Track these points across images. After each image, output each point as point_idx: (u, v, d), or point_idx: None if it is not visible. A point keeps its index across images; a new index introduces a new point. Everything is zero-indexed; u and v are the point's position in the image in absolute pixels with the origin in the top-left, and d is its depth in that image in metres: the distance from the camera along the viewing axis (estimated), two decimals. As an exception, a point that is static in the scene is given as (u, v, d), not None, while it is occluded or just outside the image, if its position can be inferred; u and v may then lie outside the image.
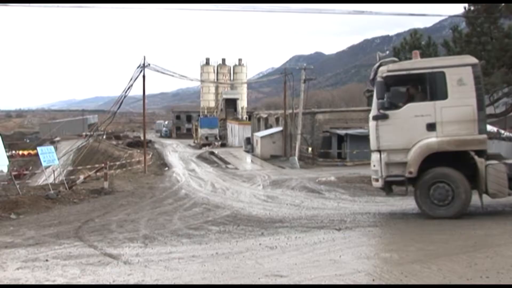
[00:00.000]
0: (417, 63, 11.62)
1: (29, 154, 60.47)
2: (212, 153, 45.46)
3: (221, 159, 39.54)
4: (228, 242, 9.45)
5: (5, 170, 19.47)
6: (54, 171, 29.55)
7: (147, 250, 9.04)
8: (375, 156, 11.45)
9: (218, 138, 63.64)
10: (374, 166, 11.51)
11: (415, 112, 10.97)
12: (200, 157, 42.68)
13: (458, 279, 5.76)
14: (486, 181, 10.53)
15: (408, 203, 14.22)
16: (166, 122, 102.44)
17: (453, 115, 10.71)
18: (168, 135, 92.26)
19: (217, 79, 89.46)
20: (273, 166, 32.87)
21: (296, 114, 36.42)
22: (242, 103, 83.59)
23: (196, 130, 69.26)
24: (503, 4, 19.82)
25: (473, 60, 11.12)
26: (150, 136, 74.70)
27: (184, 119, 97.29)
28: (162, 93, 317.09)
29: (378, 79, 11.21)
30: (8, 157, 23.04)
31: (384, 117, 11.12)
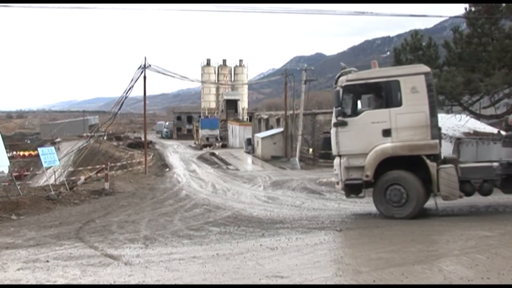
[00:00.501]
0: (374, 73, 12.13)
1: (30, 155, 60.44)
2: (212, 154, 45.44)
3: (221, 160, 39.53)
4: (228, 243, 9.44)
5: (6, 171, 19.45)
6: (55, 172, 29.56)
7: (148, 251, 9.04)
8: (336, 161, 12.13)
9: (219, 139, 63.63)
10: (335, 170, 12.20)
11: (372, 119, 11.61)
12: (200, 158, 42.68)
13: (459, 280, 5.75)
14: (438, 184, 11.07)
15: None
16: (167, 123, 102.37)
17: (407, 121, 11.29)
18: (169, 136, 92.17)
19: (217, 80, 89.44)
20: (274, 167, 32.87)
21: (297, 115, 36.42)
22: (243, 104, 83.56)
23: (197, 131, 69.23)
24: (504, 4, 19.82)
25: (426, 69, 11.67)
26: (151, 137, 74.73)
27: (185, 120, 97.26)
28: (163, 94, 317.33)
29: (337, 88, 11.91)
30: (9, 158, 23.04)
31: (343, 124, 11.81)
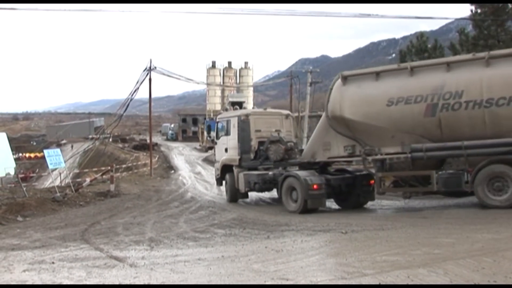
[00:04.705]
0: (226, 114, 19.22)
1: (35, 156, 60.67)
2: (218, 156, 45.33)
3: (227, 162, 39.42)
4: (234, 245, 9.44)
5: (12, 172, 19.55)
6: (60, 173, 29.68)
7: (153, 253, 9.05)
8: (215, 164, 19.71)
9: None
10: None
11: (222, 142, 18.40)
12: (206, 160, 42.66)
13: (465, 283, 5.71)
14: (238, 182, 17.03)
15: (414, 207, 14.18)
16: (172, 125, 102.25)
17: (231, 144, 17.70)
18: (174, 138, 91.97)
19: (223, 82, 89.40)
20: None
21: (302, 117, 36.40)
22: (248, 106, 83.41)
23: (202, 133, 69.14)
24: (510, 5, 19.74)
25: (239, 113, 18.03)
26: (156, 139, 74.75)
27: (190, 122, 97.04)
28: (168, 96, 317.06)
29: (215, 121, 19.60)
30: (15, 159, 23.12)
31: (215, 143, 19.15)
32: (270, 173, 15.93)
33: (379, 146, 13.58)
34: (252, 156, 17.05)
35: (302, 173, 14.42)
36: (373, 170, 14.15)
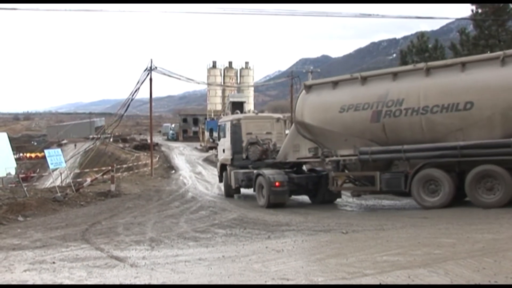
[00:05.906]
0: (224, 118, 22.01)
1: (36, 156, 60.70)
2: (218, 156, 45.28)
3: (227, 162, 39.41)
4: (234, 245, 9.43)
5: (13, 172, 19.56)
6: (61, 173, 29.69)
7: (154, 253, 9.05)
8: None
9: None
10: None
11: (221, 143, 20.49)
12: (206, 160, 42.67)
13: (466, 283, 5.70)
14: (230, 179, 18.72)
15: (415, 206, 14.18)
16: (173, 125, 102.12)
17: (226, 145, 19.48)
18: (175, 138, 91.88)
19: (223, 82, 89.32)
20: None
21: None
22: (249, 106, 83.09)
23: (203, 133, 69.06)
24: (511, 6, 19.72)
25: (232, 117, 20.22)
26: (157, 139, 74.70)
27: (190, 122, 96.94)
28: (169, 96, 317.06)
29: (216, 122, 21.99)
30: (16, 159, 23.13)
31: (217, 143, 21.90)
32: (255, 171, 16.92)
33: (335, 149, 14.89)
34: (244, 156, 18.32)
35: (268, 172, 15.94)
36: None
